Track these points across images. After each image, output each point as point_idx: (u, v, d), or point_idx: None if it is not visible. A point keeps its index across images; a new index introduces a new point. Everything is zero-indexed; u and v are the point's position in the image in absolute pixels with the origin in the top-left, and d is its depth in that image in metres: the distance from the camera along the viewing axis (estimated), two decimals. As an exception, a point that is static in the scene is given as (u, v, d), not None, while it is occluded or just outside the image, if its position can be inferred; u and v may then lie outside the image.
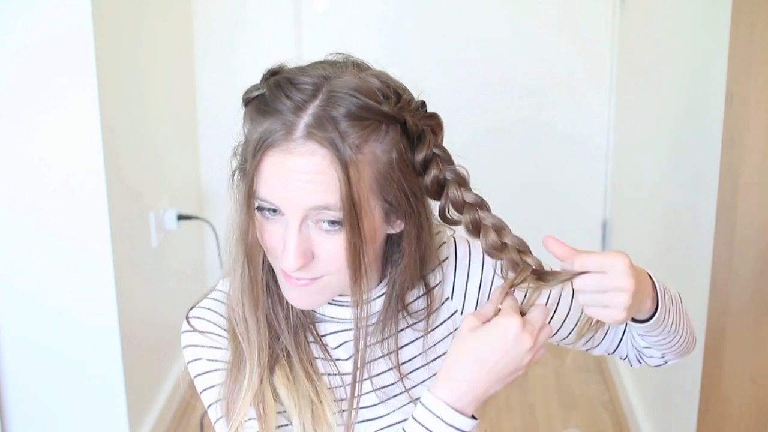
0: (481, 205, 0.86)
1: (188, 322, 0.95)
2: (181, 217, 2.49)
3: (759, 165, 1.36)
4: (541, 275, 0.84)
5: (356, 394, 0.91)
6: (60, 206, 1.95)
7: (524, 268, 0.84)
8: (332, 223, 0.81)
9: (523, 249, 0.85)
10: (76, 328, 2.04)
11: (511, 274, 0.85)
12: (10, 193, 1.94)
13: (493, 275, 0.99)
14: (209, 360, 0.93)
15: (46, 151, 1.92)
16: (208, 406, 0.93)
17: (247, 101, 0.85)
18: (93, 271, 2.00)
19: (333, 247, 0.82)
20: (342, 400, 0.94)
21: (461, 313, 0.99)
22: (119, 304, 2.03)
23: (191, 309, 0.96)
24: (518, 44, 2.85)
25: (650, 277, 0.92)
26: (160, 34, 2.48)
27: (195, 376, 0.94)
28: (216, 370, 0.93)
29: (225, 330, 0.94)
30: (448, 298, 0.99)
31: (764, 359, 1.38)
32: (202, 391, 0.94)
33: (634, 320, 0.93)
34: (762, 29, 1.32)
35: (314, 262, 0.84)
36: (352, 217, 0.79)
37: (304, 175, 0.79)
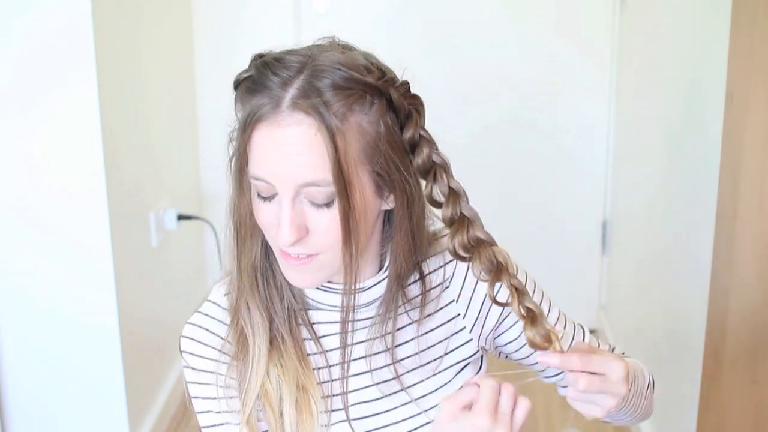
0: (462, 193, 0.88)
1: (181, 342, 0.95)
2: (181, 217, 2.49)
3: (759, 165, 1.36)
4: (534, 319, 0.85)
5: (345, 375, 0.92)
6: (60, 206, 1.95)
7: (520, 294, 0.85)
8: (323, 201, 0.82)
9: (494, 244, 0.87)
10: (76, 328, 2.04)
11: (482, 274, 0.86)
12: (10, 193, 1.94)
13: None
14: (201, 384, 0.93)
15: (46, 151, 1.92)
16: (203, 428, 0.95)
17: (237, 84, 0.87)
18: (93, 271, 2.00)
19: (326, 221, 0.83)
20: (331, 393, 0.94)
21: (462, 317, 0.99)
22: (119, 304, 2.03)
23: (185, 326, 0.96)
24: (518, 44, 2.85)
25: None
26: (160, 34, 2.48)
27: (192, 398, 0.95)
28: (208, 398, 0.93)
29: (217, 350, 0.93)
30: (453, 301, 0.99)
31: (764, 359, 1.38)
32: (198, 413, 0.95)
33: None
34: (762, 29, 1.32)
35: (309, 237, 0.84)
36: (341, 184, 0.80)
37: (293, 147, 0.80)
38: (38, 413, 2.09)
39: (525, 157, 2.95)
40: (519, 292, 0.86)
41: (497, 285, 0.86)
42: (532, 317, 0.85)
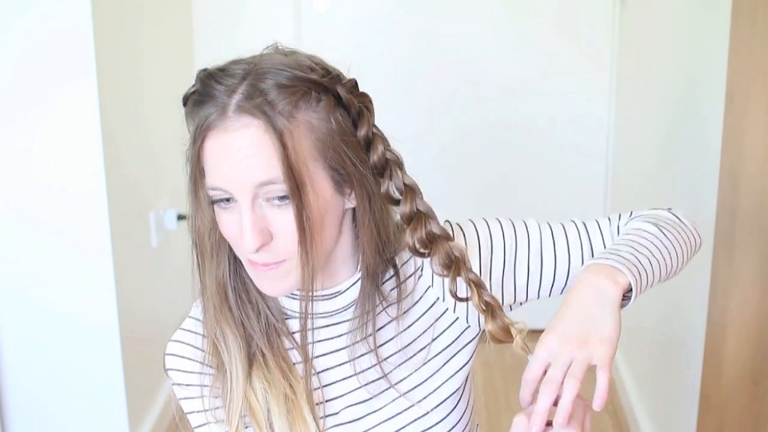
0: (417, 189, 0.89)
1: (166, 360, 0.95)
2: (181, 217, 2.49)
3: (759, 165, 1.36)
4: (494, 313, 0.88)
5: (310, 374, 0.93)
6: (60, 206, 1.95)
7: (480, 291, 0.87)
8: (282, 198, 0.82)
9: (450, 239, 0.89)
10: (76, 328, 2.04)
11: (442, 270, 0.88)
12: (10, 193, 1.94)
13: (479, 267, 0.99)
14: (194, 398, 0.95)
15: (47, 151, 1.92)
16: None
17: (185, 100, 0.87)
18: (93, 271, 2.00)
19: (286, 222, 0.83)
20: (323, 400, 0.94)
21: (443, 300, 0.98)
22: (119, 304, 2.03)
23: (169, 344, 0.96)
24: (518, 44, 2.85)
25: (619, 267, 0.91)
26: (160, 34, 2.48)
27: (187, 413, 0.98)
28: (202, 411, 0.95)
29: (201, 362, 0.94)
30: (429, 287, 0.98)
31: (764, 359, 1.38)
32: (195, 427, 0.97)
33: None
34: (762, 29, 1.32)
35: (274, 243, 0.84)
36: (292, 183, 0.80)
37: (242, 151, 0.80)
38: (38, 413, 2.09)
39: (525, 157, 2.95)
40: (477, 285, 0.88)
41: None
42: (491, 311, 0.87)
